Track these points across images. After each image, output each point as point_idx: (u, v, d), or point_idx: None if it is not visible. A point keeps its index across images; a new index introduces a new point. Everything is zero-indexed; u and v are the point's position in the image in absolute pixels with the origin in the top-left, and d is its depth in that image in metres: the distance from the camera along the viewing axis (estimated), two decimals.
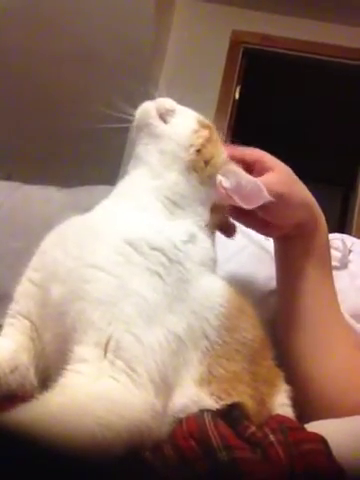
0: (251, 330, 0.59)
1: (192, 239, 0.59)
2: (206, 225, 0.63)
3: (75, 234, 0.58)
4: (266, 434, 0.47)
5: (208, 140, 0.64)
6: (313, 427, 0.53)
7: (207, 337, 0.54)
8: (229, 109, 3.27)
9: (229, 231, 0.71)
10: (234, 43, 3.27)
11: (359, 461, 0.49)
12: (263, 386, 0.58)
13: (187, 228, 0.60)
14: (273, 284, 0.86)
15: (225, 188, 0.62)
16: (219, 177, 0.63)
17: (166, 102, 0.66)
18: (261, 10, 3.16)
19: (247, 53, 3.31)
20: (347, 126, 3.49)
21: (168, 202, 0.61)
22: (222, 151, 0.66)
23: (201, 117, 0.67)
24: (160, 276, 0.53)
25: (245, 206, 0.61)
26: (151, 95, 0.69)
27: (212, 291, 0.57)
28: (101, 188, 1.16)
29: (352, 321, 0.84)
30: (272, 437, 0.47)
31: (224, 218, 0.68)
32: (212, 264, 0.61)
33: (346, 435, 0.54)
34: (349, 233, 2.92)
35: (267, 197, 0.60)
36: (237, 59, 3.31)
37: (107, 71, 2.88)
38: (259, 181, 0.61)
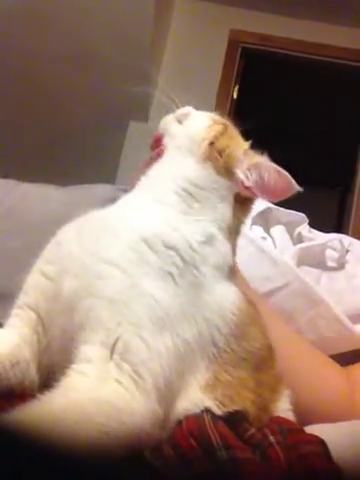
0: (260, 339, 0.58)
1: (209, 241, 0.57)
2: (228, 227, 0.61)
3: (92, 228, 0.57)
4: (266, 435, 0.47)
5: (222, 133, 0.64)
6: (312, 430, 0.53)
7: (215, 344, 0.53)
8: (227, 109, 3.27)
9: None
10: (232, 42, 3.26)
11: (357, 463, 0.49)
12: (267, 392, 0.57)
13: (205, 228, 0.58)
14: (270, 285, 0.86)
15: (248, 187, 0.61)
16: (239, 174, 0.61)
17: (183, 109, 0.69)
18: (260, 10, 3.15)
19: (245, 53, 3.31)
20: (346, 128, 3.49)
21: (185, 194, 0.60)
22: (241, 145, 0.65)
23: (217, 116, 0.68)
24: (173, 277, 0.52)
25: (273, 200, 0.62)
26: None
27: (225, 298, 0.56)
28: (99, 186, 1.16)
29: (347, 321, 0.84)
30: (272, 438, 0.46)
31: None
32: (228, 270, 0.59)
33: (345, 438, 0.54)
34: (346, 234, 2.93)
35: (296, 188, 0.60)
36: (235, 58, 3.31)
37: (105, 70, 2.88)
38: (284, 171, 0.60)
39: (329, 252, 0.95)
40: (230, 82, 3.31)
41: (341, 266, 0.94)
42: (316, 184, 4.18)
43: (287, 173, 0.60)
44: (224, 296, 0.56)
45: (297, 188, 0.60)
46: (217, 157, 0.62)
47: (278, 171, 0.60)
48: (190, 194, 0.60)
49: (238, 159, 0.62)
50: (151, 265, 0.52)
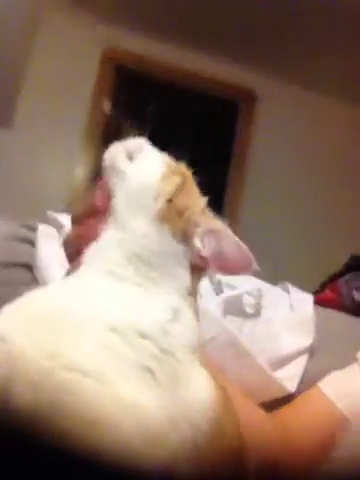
0: (234, 433, 0.52)
1: (176, 316, 0.50)
2: (188, 293, 0.54)
3: (44, 320, 0.45)
4: None
5: (180, 188, 0.56)
6: None
7: (198, 448, 0.44)
8: (99, 124, 3.23)
9: None
10: (106, 59, 3.24)
11: None
12: None
13: (169, 302, 0.51)
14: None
15: (204, 257, 0.54)
16: (197, 243, 0.54)
17: (135, 141, 0.60)
18: (135, 30, 3.15)
19: (119, 70, 3.30)
20: (212, 156, 3.57)
21: (140, 263, 0.51)
22: (198, 201, 0.58)
23: (171, 161, 0.60)
24: (152, 374, 0.44)
25: (227, 274, 0.56)
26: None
27: (201, 391, 0.48)
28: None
29: (267, 371, 0.86)
30: None
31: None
32: (197, 344, 0.51)
33: None
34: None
35: (255, 267, 0.54)
36: (108, 75, 3.28)
37: None
38: (244, 246, 0.54)
39: (246, 298, 0.96)
40: (102, 97, 3.27)
41: (257, 312, 0.96)
42: None
43: (246, 248, 0.55)
44: (200, 388, 0.48)
45: (256, 267, 0.54)
46: (175, 220, 0.54)
47: (238, 245, 0.55)
48: (145, 262, 0.52)
49: (196, 222, 0.55)
50: (127, 362, 0.43)
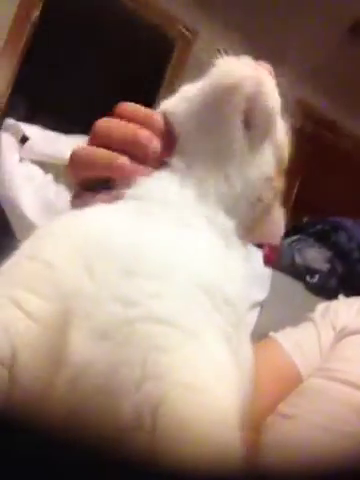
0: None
1: (243, 280, 0.43)
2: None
3: (108, 254, 0.35)
4: None
5: (275, 197, 0.47)
6: None
7: (244, 412, 0.39)
8: (24, 34, 2.96)
9: None
10: None
11: None
12: None
13: (241, 266, 0.44)
14: None
15: None
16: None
17: (273, 93, 0.43)
18: None
19: None
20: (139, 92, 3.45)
21: (231, 235, 0.44)
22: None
23: (284, 148, 0.47)
24: (230, 342, 0.36)
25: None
26: None
27: (248, 352, 0.44)
28: None
29: None
30: None
31: None
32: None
33: None
34: None
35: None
36: None
37: None
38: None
39: None
40: (32, 4, 2.98)
41: None
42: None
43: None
44: (248, 352, 0.44)
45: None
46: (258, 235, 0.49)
47: (281, 229, 0.52)
48: (233, 235, 0.44)
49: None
50: (214, 327, 0.36)
